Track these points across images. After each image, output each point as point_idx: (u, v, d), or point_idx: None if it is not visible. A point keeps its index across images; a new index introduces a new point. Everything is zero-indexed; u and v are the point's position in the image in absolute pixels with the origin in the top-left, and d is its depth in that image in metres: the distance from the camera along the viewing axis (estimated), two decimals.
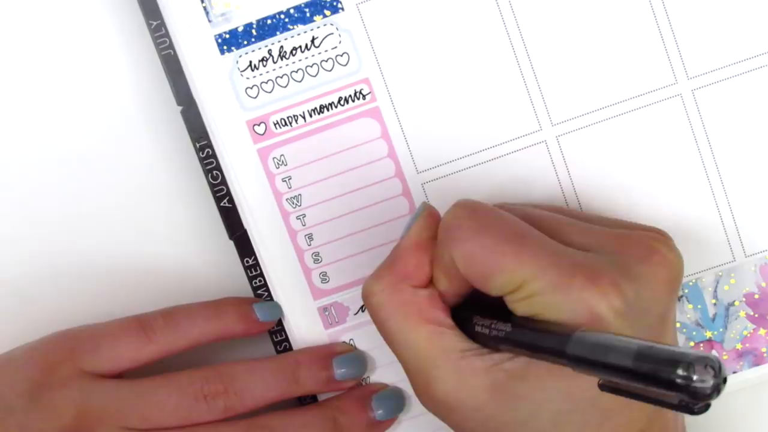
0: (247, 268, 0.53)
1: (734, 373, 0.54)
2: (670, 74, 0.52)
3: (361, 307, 0.54)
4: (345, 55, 0.52)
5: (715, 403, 0.53)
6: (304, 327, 0.54)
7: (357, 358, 0.53)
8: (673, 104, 0.52)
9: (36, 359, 0.51)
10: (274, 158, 0.53)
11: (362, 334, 0.54)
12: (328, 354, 0.53)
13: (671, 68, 0.52)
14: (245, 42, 0.52)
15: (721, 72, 0.52)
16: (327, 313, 0.54)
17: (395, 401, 0.53)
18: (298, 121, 0.53)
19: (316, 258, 0.53)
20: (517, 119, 0.52)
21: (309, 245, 0.53)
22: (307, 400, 0.54)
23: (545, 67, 0.52)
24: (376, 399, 0.53)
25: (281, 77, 0.52)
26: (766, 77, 0.52)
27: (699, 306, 0.53)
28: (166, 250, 0.55)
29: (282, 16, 0.52)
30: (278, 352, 0.54)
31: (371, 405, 0.53)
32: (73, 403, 0.50)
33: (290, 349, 0.54)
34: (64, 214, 0.55)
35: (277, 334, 0.54)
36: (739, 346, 0.54)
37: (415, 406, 0.54)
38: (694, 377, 0.36)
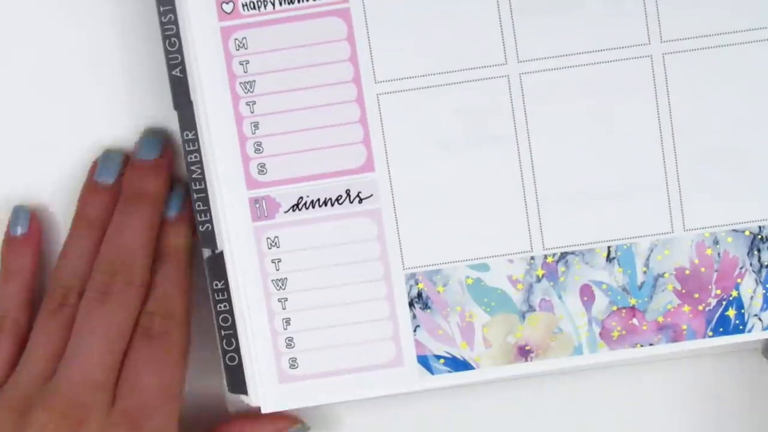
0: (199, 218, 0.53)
1: (651, 345, 0.53)
2: (644, 34, 0.52)
3: (293, 206, 0.53)
4: None
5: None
6: (234, 217, 0.53)
7: None
8: (642, 64, 0.52)
9: None
10: (235, 39, 0.52)
11: (290, 234, 0.53)
12: None
13: (647, 28, 0.51)
14: None
15: (695, 41, 0.51)
16: (258, 205, 0.53)
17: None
18: (266, 7, 0.52)
19: (258, 148, 0.53)
20: (483, 48, 0.52)
21: (254, 133, 0.52)
22: None
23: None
24: None
25: None
26: (738, 55, 0.51)
27: (629, 271, 0.53)
28: None
29: None
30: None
31: None
32: None
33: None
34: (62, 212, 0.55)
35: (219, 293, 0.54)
36: (660, 319, 0.53)
37: None
38: None
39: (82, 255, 0.53)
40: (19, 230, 0.54)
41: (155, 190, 0.53)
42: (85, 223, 0.54)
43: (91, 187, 0.54)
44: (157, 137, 0.54)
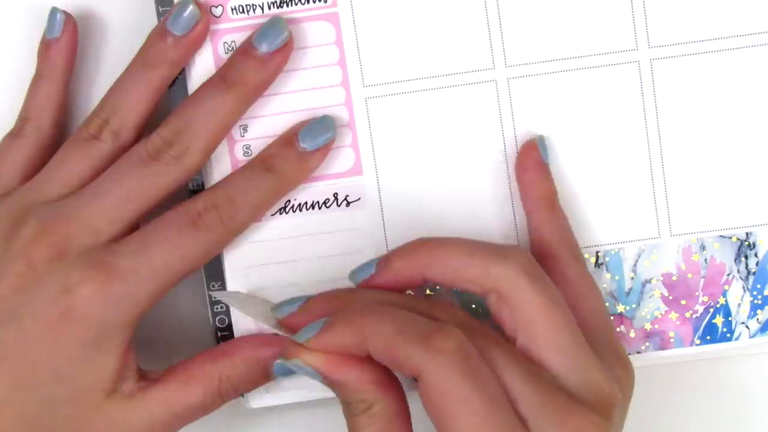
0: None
1: (638, 353, 0.53)
2: (632, 40, 0.52)
3: (280, 209, 0.53)
4: None
5: None
6: None
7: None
8: (629, 70, 0.52)
9: None
10: (224, 43, 0.52)
11: (276, 239, 0.53)
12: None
13: (634, 34, 0.52)
14: None
15: (683, 47, 0.52)
16: None
17: (320, 129, 0.51)
18: (255, 11, 0.52)
19: (246, 151, 0.52)
20: (471, 53, 0.52)
21: (242, 136, 0.52)
22: None
23: (510, 5, 0.52)
24: (302, 133, 0.51)
25: None
26: (726, 61, 0.52)
27: (617, 277, 0.53)
28: None
29: None
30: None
31: (297, 139, 0.51)
32: None
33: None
34: None
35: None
36: (648, 326, 0.53)
37: None
38: None
39: (131, 96, 0.50)
40: (54, 32, 0.51)
41: (256, 84, 0.50)
42: (142, 64, 0.50)
43: (159, 31, 0.51)
44: (283, 27, 0.50)
